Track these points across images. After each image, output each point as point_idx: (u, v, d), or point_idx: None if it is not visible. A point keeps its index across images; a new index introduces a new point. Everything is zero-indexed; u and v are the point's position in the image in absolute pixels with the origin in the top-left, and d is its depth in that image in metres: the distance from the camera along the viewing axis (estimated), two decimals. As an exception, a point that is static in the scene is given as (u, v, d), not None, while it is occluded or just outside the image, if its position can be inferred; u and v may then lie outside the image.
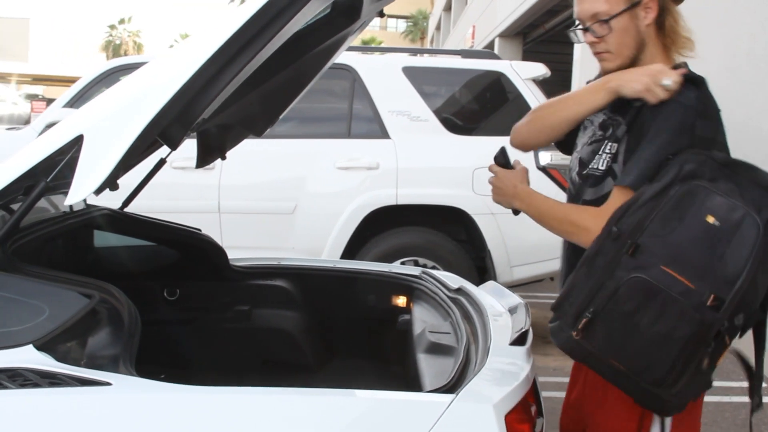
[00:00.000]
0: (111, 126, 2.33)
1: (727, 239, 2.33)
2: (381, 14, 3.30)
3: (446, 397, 2.22)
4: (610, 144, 2.70)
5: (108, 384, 2.21)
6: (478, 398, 2.25)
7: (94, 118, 2.43)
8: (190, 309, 3.90)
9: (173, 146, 2.66)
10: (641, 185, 2.50)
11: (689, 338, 2.31)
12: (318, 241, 6.87)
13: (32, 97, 36.55)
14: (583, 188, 2.76)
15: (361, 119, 7.13)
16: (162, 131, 2.37)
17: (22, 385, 2.20)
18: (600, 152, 2.72)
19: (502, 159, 2.87)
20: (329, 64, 3.52)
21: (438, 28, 54.48)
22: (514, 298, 3.16)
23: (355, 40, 3.84)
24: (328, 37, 3.21)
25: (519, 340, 2.74)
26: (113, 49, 77.85)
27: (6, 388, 2.18)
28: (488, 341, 2.66)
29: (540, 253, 6.96)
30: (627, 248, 2.38)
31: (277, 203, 6.91)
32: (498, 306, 3.08)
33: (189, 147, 6.98)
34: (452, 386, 2.30)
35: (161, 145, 3.51)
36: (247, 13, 2.34)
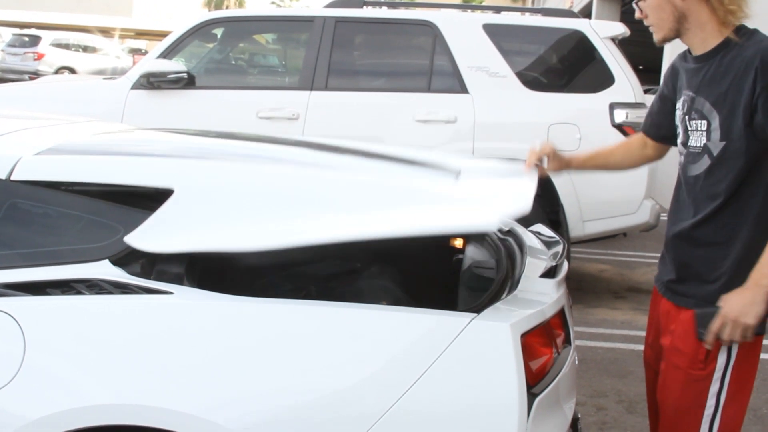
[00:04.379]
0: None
1: None
2: None
3: (469, 316, 2.48)
4: (696, 122, 2.92)
5: (170, 293, 2.53)
6: (497, 318, 2.51)
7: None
8: None
9: None
10: None
11: None
12: (396, 191, 7.08)
13: (135, 51, 37.46)
14: (687, 165, 2.98)
15: (440, 74, 7.32)
16: None
17: (98, 293, 2.55)
18: (688, 130, 2.96)
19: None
20: None
21: (539, -12, 53.93)
22: (555, 238, 3.37)
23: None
24: None
25: (549, 274, 2.96)
26: (216, 4, 78.73)
27: (83, 294, 2.54)
28: (520, 273, 2.89)
29: (612, 209, 7.12)
30: None
31: (358, 154, 7.14)
32: (539, 245, 3.30)
33: (275, 98, 7.28)
34: (478, 308, 2.55)
35: None
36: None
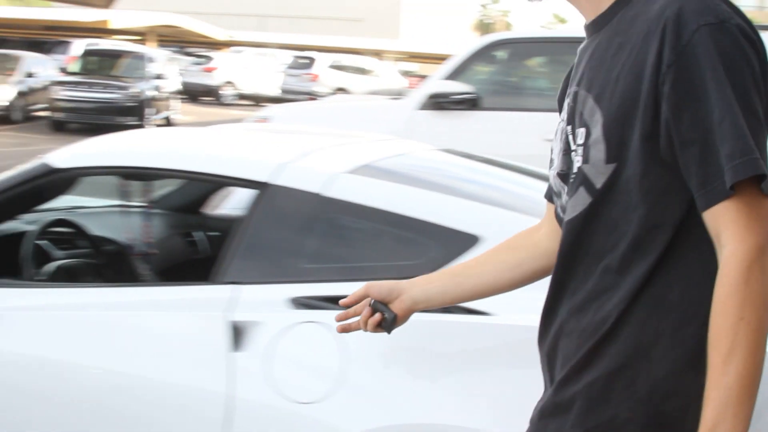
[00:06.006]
0: None
1: None
2: None
3: None
4: (576, 130, 1.73)
5: (488, 314, 2.51)
6: None
7: None
8: None
9: None
10: None
11: None
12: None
13: (408, 74, 38.37)
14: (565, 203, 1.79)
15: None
16: None
17: None
18: (571, 148, 1.76)
19: None
20: None
21: None
22: None
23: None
24: None
25: None
26: (484, 28, 79.46)
27: None
28: None
29: None
30: None
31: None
32: None
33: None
34: None
35: None
36: None
